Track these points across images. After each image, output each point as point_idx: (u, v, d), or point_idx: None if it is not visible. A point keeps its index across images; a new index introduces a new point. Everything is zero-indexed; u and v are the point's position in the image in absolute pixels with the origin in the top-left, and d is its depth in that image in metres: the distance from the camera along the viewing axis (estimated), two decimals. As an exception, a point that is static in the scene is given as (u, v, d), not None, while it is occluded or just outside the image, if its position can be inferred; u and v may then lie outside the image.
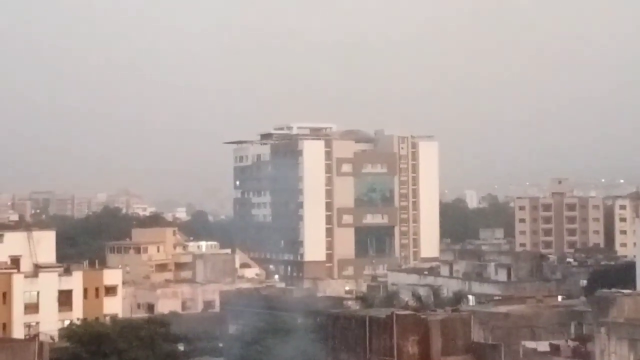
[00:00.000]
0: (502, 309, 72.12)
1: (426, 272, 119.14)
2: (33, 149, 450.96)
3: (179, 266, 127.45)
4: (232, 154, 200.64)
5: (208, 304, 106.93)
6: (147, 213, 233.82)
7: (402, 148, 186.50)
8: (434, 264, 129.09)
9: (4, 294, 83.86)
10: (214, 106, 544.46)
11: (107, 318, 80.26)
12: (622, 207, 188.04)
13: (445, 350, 40.13)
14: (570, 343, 62.37)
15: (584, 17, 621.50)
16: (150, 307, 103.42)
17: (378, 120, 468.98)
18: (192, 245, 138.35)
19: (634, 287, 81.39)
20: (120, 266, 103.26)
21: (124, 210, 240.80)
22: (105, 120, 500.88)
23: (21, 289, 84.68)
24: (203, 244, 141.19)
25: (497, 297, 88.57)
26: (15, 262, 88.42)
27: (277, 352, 63.66)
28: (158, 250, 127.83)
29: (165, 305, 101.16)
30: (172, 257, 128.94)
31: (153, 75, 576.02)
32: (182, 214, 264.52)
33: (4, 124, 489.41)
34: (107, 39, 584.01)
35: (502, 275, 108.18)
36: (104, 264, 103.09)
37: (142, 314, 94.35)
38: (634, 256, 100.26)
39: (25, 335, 77.19)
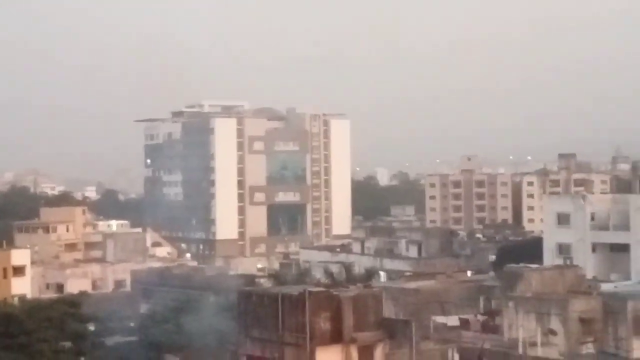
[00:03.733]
0: (413, 284, 72.83)
1: (338, 250, 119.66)
2: None
3: (89, 246, 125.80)
4: (143, 132, 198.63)
5: (119, 284, 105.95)
6: (56, 192, 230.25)
7: (314, 126, 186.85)
8: (345, 241, 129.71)
9: None
10: (124, 85, 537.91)
11: (15, 299, 78.89)
12: (530, 184, 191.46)
13: (357, 326, 40.33)
14: (480, 317, 63.23)
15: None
16: (60, 287, 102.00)
17: (290, 99, 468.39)
18: (103, 225, 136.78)
19: (541, 261, 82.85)
20: (28, 246, 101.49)
21: (32, 189, 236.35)
22: (15, 101, 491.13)
23: None
24: (113, 223, 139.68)
25: (407, 273, 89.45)
26: None
27: (190, 331, 63.34)
28: (67, 230, 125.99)
29: (75, 285, 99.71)
30: (82, 237, 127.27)
31: (64, 56, 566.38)
32: (92, 193, 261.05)
33: None
34: (15, 20, 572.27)
35: (413, 252, 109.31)
36: (11, 244, 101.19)
37: (51, 294, 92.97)
38: (541, 231, 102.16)
39: None
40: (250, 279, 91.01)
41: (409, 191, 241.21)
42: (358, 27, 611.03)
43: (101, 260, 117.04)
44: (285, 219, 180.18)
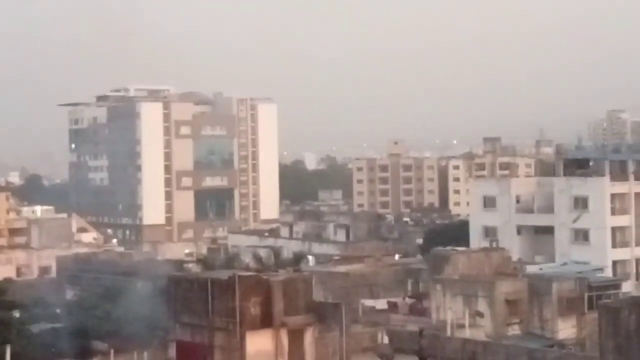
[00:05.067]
0: (342, 268, 73.25)
1: (266, 234, 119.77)
2: None
3: (13, 232, 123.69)
4: (67, 116, 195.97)
5: (44, 270, 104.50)
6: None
7: (241, 110, 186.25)
8: (274, 225, 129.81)
9: None
10: (47, 67, 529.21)
11: (-63, 286, 77.28)
12: (456, 167, 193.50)
13: (287, 310, 40.27)
14: (408, 300, 63.87)
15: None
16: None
17: (216, 83, 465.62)
18: (27, 210, 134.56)
19: (467, 244, 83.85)
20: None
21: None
22: None
23: None
24: (38, 208, 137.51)
25: (336, 257, 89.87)
26: None
27: (117, 317, 62.74)
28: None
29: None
30: (6, 223, 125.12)
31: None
32: (15, 178, 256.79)
33: None
34: None
35: (341, 236, 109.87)
36: None
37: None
38: (468, 215, 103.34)
39: None
40: (178, 264, 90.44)
41: (336, 175, 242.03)
42: (294, 16, 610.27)
43: (26, 246, 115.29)
44: (213, 204, 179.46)
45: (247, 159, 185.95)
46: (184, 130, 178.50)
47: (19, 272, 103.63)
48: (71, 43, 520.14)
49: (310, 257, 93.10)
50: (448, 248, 66.58)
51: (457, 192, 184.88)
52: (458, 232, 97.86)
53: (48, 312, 71.29)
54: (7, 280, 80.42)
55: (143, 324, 55.62)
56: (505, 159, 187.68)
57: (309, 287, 42.43)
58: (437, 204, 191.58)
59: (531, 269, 63.70)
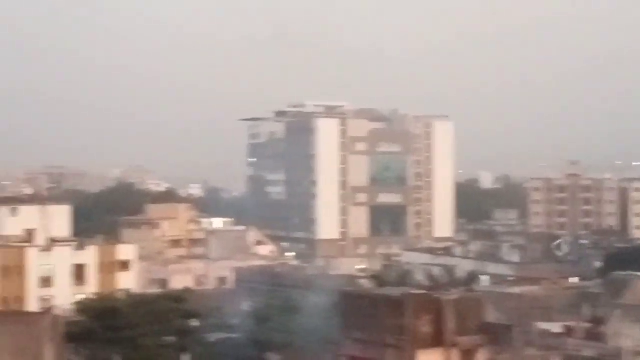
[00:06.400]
0: (516, 289, 72.06)
1: (440, 252, 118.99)
2: (47, 122, 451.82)
3: (193, 242, 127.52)
4: (247, 131, 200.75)
5: (221, 281, 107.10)
6: (161, 189, 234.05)
7: (416, 127, 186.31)
8: (447, 244, 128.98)
9: (18, 267, 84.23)
10: (229, 83, 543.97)
11: (121, 293, 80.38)
12: (638, 190, 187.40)
13: (458, 330, 40.06)
14: (584, 325, 62.28)
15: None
16: (164, 283, 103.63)
17: (392, 99, 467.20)
18: (206, 222, 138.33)
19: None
20: (134, 242, 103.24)
21: (138, 186, 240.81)
22: (123, 100, 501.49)
23: (35, 262, 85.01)
24: (217, 220, 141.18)
25: (510, 278, 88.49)
26: (30, 235, 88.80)
27: (290, 330, 63.72)
28: (172, 227, 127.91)
29: (179, 281, 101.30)
30: (186, 233, 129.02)
31: (170, 53, 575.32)
32: (196, 191, 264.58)
33: (18, 98, 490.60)
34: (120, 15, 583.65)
35: (516, 256, 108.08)
36: (118, 239, 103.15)
37: (155, 290, 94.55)
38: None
39: (39, 309, 77.45)
40: (351, 279, 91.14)
41: (511, 195, 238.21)
42: (461, 26, 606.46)
43: (204, 257, 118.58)
44: (387, 221, 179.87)
45: (421, 177, 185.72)
46: (360, 146, 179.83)
47: (197, 281, 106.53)
48: (253, 58, 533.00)
49: (483, 277, 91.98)
50: (628, 273, 64.63)
51: (638, 215, 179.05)
52: (639, 257, 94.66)
53: (224, 322, 73.08)
54: (187, 290, 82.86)
55: (315, 338, 56.30)
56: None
57: (481, 307, 42.10)
58: (616, 227, 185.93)
59: None
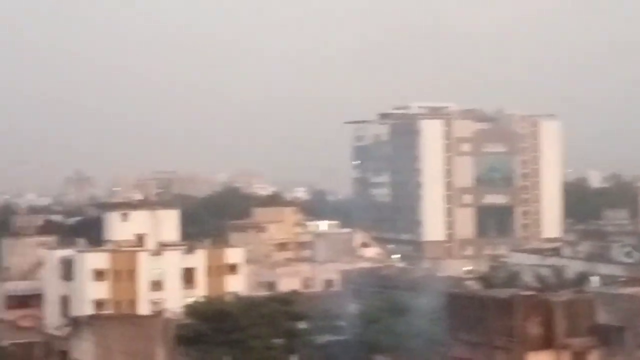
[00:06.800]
0: (628, 290, 70.51)
1: (548, 253, 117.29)
2: (155, 128, 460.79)
3: (299, 245, 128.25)
4: (352, 133, 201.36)
5: (328, 283, 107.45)
6: (267, 192, 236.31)
7: (523, 127, 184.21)
8: (556, 244, 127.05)
9: (130, 271, 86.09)
10: (334, 86, 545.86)
11: (230, 296, 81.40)
12: None
13: (569, 332, 39.52)
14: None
15: None
16: (271, 286, 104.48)
17: (497, 99, 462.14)
18: (312, 225, 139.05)
19: None
20: (241, 245, 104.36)
21: (244, 190, 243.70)
22: (226, 100, 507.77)
23: (146, 266, 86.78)
24: (323, 223, 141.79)
25: (621, 279, 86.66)
26: (140, 240, 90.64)
27: (397, 332, 63.67)
28: (278, 230, 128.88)
29: (286, 284, 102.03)
30: (292, 236, 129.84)
31: (278, 59, 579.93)
32: (301, 194, 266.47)
33: (128, 106, 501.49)
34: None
35: (627, 257, 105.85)
36: (225, 243, 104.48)
37: (263, 292, 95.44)
38: None
39: (150, 312, 78.99)
40: (457, 281, 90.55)
41: (622, 194, 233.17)
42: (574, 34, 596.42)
43: (310, 259, 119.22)
44: (493, 222, 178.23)
45: (528, 177, 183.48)
46: (465, 147, 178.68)
47: (304, 284, 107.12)
48: (359, 62, 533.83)
49: (593, 278, 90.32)
50: None
51: None
52: None
53: (332, 324, 73.37)
54: (294, 292, 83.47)
55: (423, 340, 56.16)
56: None
57: (592, 308, 41.43)
58: None
59: None
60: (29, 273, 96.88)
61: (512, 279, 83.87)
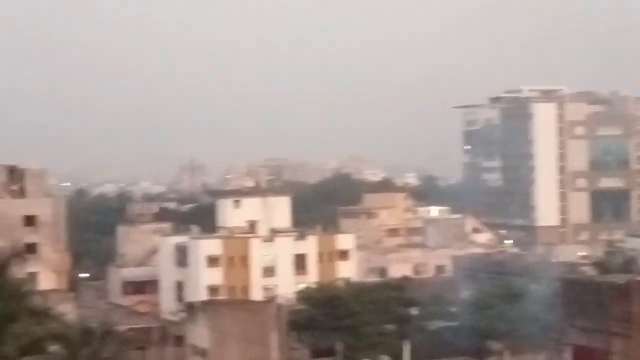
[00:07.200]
0: None
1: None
2: (267, 116, 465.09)
3: (410, 231, 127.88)
4: (462, 118, 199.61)
5: (439, 269, 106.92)
6: (377, 179, 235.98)
7: (638, 109, 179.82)
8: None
9: (243, 258, 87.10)
10: (444, 71, 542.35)
11: (341, 282, 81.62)
12: None
13: (689, 318, 38.50)
14: None
15: None
16: (383, 272, 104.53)
17: (613, 81, 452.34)
18: (423, 210, 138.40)
19: None
20: (352, 231, 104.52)
21: (355, 176, 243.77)
22: (337, 87, 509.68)
23: (259, 253, 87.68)
24: (434, 209, 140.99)
25: None
26: (253, 227, 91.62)
27: (511, 318, 62.93)
28: (389, 216, 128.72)
29: (397, 270, 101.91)
30: (403, 222, 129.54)
31: (391, 42, 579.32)
32: (412, 179, 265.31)
33: (242, 96, 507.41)
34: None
35: None
36: (337, 229, 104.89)
37: (374, 279, 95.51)
38: None
39: (263, 298, 79.81)
40: (572, 267, 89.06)
41: None
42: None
43: (422, 245, 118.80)
44: (609, 206, 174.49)
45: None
46: (579, 130, 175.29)
47: (416, 270, 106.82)
48: (469, 45, 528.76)
49: None
50: None
51: None
52: None
53: (444, 311, 72.99)
54: (405, 279, 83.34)
55: (537, 326, 55.37)
56: None
57: None
58: None
59: None
60: (145, 260, 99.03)
61: (629, 264, 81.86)
